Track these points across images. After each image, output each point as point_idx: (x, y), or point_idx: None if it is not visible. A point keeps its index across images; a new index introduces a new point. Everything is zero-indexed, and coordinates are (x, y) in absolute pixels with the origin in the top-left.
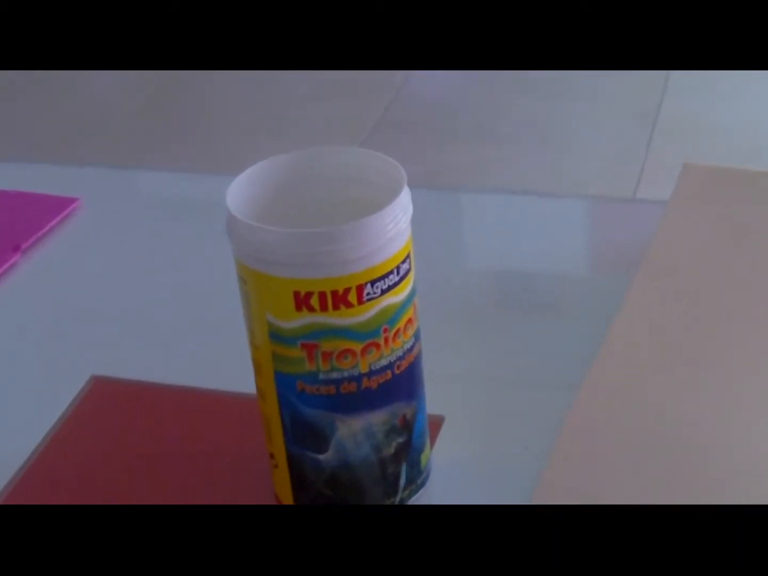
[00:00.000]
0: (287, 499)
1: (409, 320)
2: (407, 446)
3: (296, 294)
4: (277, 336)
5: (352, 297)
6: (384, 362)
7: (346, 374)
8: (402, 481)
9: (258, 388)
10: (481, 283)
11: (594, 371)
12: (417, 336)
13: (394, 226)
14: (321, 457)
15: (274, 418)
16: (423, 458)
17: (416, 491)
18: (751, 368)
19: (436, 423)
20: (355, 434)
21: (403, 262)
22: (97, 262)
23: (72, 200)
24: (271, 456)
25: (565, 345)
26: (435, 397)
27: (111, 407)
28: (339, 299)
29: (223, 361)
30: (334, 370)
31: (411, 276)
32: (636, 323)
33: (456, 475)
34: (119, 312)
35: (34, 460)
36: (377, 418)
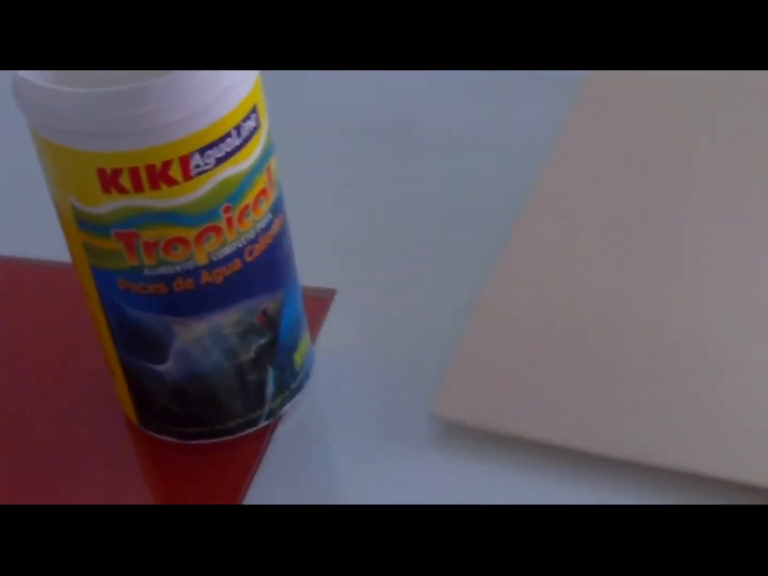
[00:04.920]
0: (131, 413)
1: (262, 192)
2: (272, 347)
3: (101, 172)
4: (85, 224)
5: (175, 172)
6: (229, 250)
7: (178, 268)
8: (269, 389)
9: (81, 284)
10: (367, 132)
11: (511, 244)
12: (276, 209)
13: (229, 75)
14: (160, 367)
15: (101, 321)
16: (297, 357)
17: (290, 398)
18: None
19: (325, 300)
20: (199, 340)
21: (246, 119)
22: None
23: None
24: (107, 362)
25: (478, 218)
26: (324, 269)
27: None
28: (157, 176)
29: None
30: (162, 265)
31: (261, 135)
32: (556, 189)
33: (344, 369)
34: None
35: None
36: (227, 319)
